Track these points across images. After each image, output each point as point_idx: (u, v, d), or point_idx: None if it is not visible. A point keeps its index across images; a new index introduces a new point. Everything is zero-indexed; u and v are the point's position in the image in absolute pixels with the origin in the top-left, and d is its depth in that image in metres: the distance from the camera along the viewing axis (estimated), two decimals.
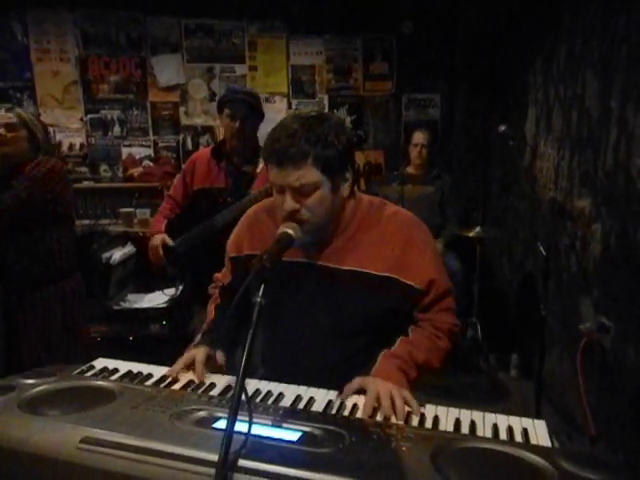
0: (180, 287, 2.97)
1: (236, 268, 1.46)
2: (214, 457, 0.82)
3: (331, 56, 4.11)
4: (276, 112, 4.05)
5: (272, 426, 0.97)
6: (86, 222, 3.64)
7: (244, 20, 3.96)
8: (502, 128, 2.67)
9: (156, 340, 2.93)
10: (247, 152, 2.39)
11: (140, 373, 1.27)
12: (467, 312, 3.33)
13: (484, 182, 3.93)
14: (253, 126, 2.38)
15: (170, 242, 2.44)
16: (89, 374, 1.25)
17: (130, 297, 3.17)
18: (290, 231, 1.13)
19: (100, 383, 1.17)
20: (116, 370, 1.28)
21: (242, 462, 0.84)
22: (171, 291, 3.02)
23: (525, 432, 1.01)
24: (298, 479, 0.81)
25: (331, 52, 4.11)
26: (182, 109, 3.98)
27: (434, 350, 1.26)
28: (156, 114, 3.97)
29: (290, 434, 0.94)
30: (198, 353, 1.28)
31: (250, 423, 0.90)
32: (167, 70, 3.91)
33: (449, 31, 4.12)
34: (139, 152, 3.96)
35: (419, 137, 3.58)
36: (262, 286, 0.97)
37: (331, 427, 0.97)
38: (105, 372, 1.27)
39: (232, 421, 0.84)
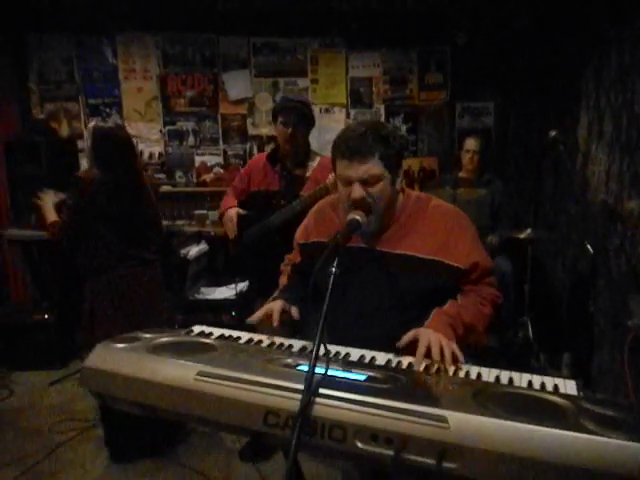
0: (241, 284, 3.26)
1: (303, 252, 1.72)
2: (300, 386, 1.07)
3: (387, 68, 4.35)
4: (335, 122, 4.33)
5: (343, 371, 1.21)
6: (164, 223, 4.03)
7: (306, 37, 4.27)
8: (553, 134, 2.82)
9: (227, 329, 3.24)
10: (299, 156, 2.60)
11: (231, 335, 1.54)
12: (518, 312, 3.45)
13: (536, 186, 4.03)
14: (304, 132, 2.58)
15: (243, 212, 2.65)
16: (192, 334, 1.53)
17: (203, 290, 3.51)
18: (358, 217, 1.38)
19: (202, 339, 1.45)
20: (211, 333, 1.56)
21: (321, 390, 1.08)
22: (236, 286, 3.32)
23: (555, 387, 1.19)
24: (364, 402, 1.04)
25: (387, 64, 4.35)
26: (249, 120, 4.33)
27: (479, 314, 1.46)
28: (226, 125, 4.34)
29: (358, 376, 1.18)
30: (275, 304, 1.54)
31: (326, 367, 1.14)
32: (236, 85, 4.28)
33: (502, 41, 4.26)
34: (210, 160, 4.35)
35: (471, 144, 3.73)
36: (336, 259, 1.22)
37: (390, 373, 1.20)
38: (203, 333, 1.55)
39: (314, 358, 1.08)
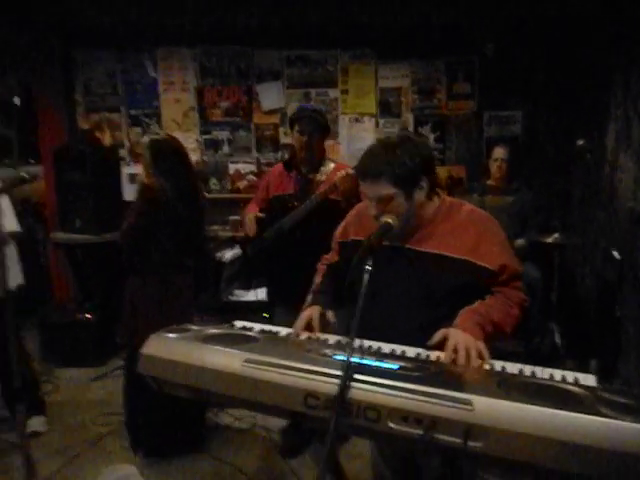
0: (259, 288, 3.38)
1: (342, 250, 1.83)
2: (337, 372, 1.19)
3: (416, 78, 4.46)
4: (364, 131, 4.46)
5: (376, 361, 1.32)
6: None
7: (337, 49, 4.42)
8: (580, 142, 2.88)
9: None
10: (314, 162, 2.72)
11: (270, 330, 1.66)
12: (545, 318, 3.48)
13: (564, 193, 4.07)
14: (319, 139, 2.71)
15: (261, 215, 2.78)
16: (235, 328, 1.66)
17: (236, 292, 3.66)
18: (390, 220, 1.49)
19: (245, 332, 1.58)
20: (252, 327, 1.68)
21: (357, 376, 1.19)
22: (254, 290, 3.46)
23: (575, 379, 1.28)
24: (396, 387, 1.14)
25: (416, 75, 4.46)
26: (281, 129, 4.49)
27: (507, 315, 1.54)
28: (259, 134, 4.51)
29: (390, 365, 1.28)
30: (314, 312, 1.65)
31: (361, 357, 1.26)
32: (269, 96, 4.45)
33: (530, 50, 4.32)
34: (244, 168, 4.53)
35: (499, 152, 3.79)
36: (370, 258, 1.33)
37: (420, 364, 1.30)
38: (245, 327, 1.68)
39: (351, 346, 1.20)
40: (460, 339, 1.40)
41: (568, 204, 4.15)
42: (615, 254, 2.60)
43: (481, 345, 1.40)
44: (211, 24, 4.27)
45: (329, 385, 1.19)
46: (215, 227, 4.23)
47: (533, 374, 1.29)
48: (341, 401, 1.14)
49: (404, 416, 1.10)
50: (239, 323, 1.74)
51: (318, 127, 2.68)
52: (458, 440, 1.05)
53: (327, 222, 2.58)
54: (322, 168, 2.72)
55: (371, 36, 4.37)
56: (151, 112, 4.49)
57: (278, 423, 3.10)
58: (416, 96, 4.48)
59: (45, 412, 3.22)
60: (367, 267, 1.32)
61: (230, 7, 4.18)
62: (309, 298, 1.79)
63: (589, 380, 1.27)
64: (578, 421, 0.99)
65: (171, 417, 2.81)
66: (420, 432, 1.08)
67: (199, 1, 4.16)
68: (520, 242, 3.57)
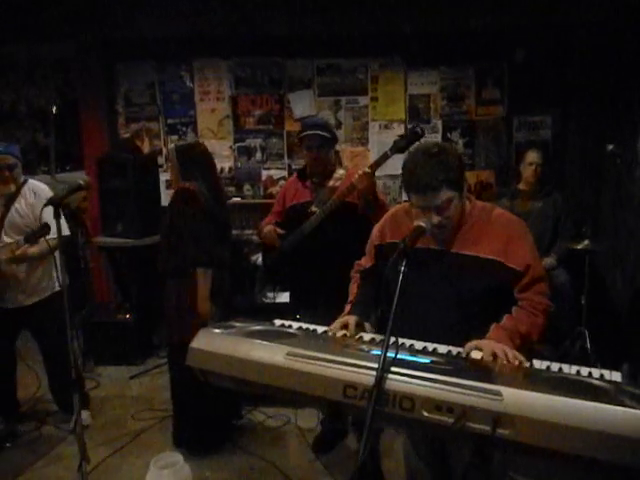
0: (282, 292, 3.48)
1: (379, 253, 1.91)
2: (374, 365, 1.28)
3: (445, 85, 4.52)
4: (394, 137, 4.48)
5: (410, 356, 1.41)
6: (234, 232, 4.36)
7: (367, 58, 4.52)
8: (610, 147, 2.90)
9: None
10: (326, 172, 2.79)
11: (308, 327, 1.76)
12: (575, 322, 3.49)
13: (595, 198, 4.06)
14: (327, 151, 2.77)
15: (280, 230, 2.84)
16: (275, 325, 1.77)
17: (269, 294, 3.78)
18: (422, 224, 1.58)
19: (285, 329, 1.69)
20: (290, 325, 1.79)
21: (393, 369, 1.28)
22: (274, 295, 3.56)
23: (601, 375, 1.34)
24: (430, 379, 1.23)
25: (445, 81, 4.52)
26: None
27: (532, 325, 1.61)
28: (290, 141, 4.64)
29: (423, 359, 1.37)
30: (351, 319, 1.74)
31: (396, 351, 1.34)
32: (301, 104, 4.58)
33: (559, 55, 4.33)
34: (276, 174, 4.67)
35: (533, 156, 3.79)
36: (404, 259, 1.42)
37: (451, 359, 1.39)
38: (284, 325, 1.78)
39: (387, 341, 1.29)
40: (496, 347, 1.48)
41: (599, 209, 4.14)
42: None
43: (514, 351, 1.47)
44: (244, 36, 4.43)
45: (366, 377, 1.28)
46: (248, 231, 4.37)
47: (560, 370, 1.36)
48: (378, 391, 1.23)
49: (437, 405, 1.19)
50: (278, 321, 1.85)
51: (325, 141, 2.74)
52: (487, 428, 1.13)
53: (345, 225, 2.68)
54: (335, 175, 2.80)
55: (400, 44, 4.45)
56: (187, 121, 4.67)
57: (310, 422, 3.21)
58: (445, 102, 4.54)
59: (89, 406, 3.40)
60: (401, 268, 1.41)
61: (262, 20, 4.34)
62: (347, 308, 1.87)
63: (614, 376, 1.33)
64: (602, 411, 1.07)
65: (211, 414, 2.95)
66: (452, 420, 1.17)
67: (233, 15, 4.33)
68: (550, 260, 3.57)
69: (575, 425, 1.07)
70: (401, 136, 2.55)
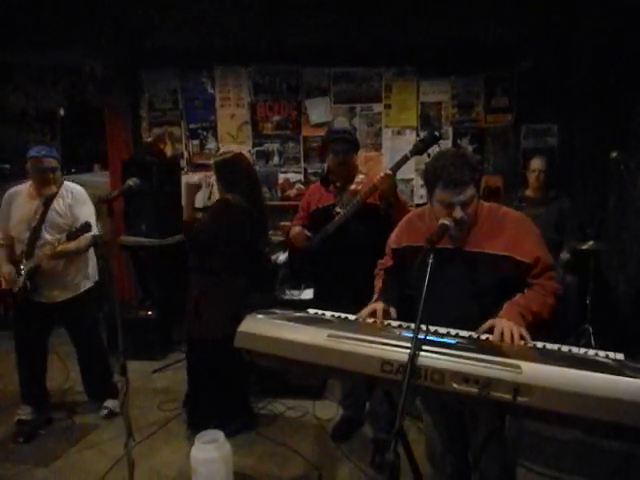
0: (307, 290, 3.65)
1: (396, 256, 2.10)
2: (407, 344, 1.46)
3: (456, 93, 4.71)
4: (406, 143, 4.72)
5: (437, 338, 1.59)
6: None
7: (381, 67, 4.71)
8: (614, 154, 3.08)
9: None
10: (349, 177, 2.94)
11: (340, 315, 1.94)
12: (581, 320, 3.67)
13: (600, 203, 4.23)
14: (352, 156, 2.92)
15: (308, 233, 2.98)
16: (310, 314, 1.96)
17: (290, 291, 3.96)
18: (447, 222, 1.76)
19: (321, 316, 1.87)
20: (324, 313, 1.97)
21: (424, 347, 1.47)
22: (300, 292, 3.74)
23: (606, 355, 1.52)
24: (457, 355, 1.42)
25: (456, 90, 4.71)
26: None
27: (543, 304, 1.79)
28: (307, 146, 4.84)
29: (449, 341, 1.56)
30: (378, 306, 1.93)
31: (426, 332, 1.53)
32: (317, 110, 4.78)
33: (565, 65, 4.51)
34: (293, 177, 4.86)
35: (536, 163, 3.98)
36: (432, 253, 1.60)
37: (473, 341, 1.57)
38: (318, 313, 1.96)
39: (418, 323, 1.47)
40: (505, 325, 1.66)
41: (603, 213, 4.31)
42: None
43: (523, 330, 1.65)
44: (264, 45, 4.63)
45: (401, 354, 1.47)
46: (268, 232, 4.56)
47: (570, 350, 1.54)
48: (412, 366, 1.41)
49: (465, 377, 1.37)
50: (312, 310, 2.03)
51: (351, 147, 2.90)
52: (509, 396, 1.32)
53: (367, 226, 2.83)
54: (356, 179, 2.95)
55: (413, 54, 4.64)
56: (208, 126, 4.87)
57: (328, 412, 3.39)
58: (455, 110, 4.73)
59: (118, 396, 3.58)
60: (430, 261, 1.59)
61: (281, 29, 4.55)
62: (374, 298, 2.05)
63: (618, 356, 1.52)
64: (607, 380, 1.25)
65: (227, 401, 3.13)
66: (477, 390, 1.35)
67: (253, 24, 4.54)
68: (565, 255, 3.74)
69: (584, 392, 1.25)
70: (420, 140, 2.68)
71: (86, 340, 3.40)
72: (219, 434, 2.39)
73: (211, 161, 3.05)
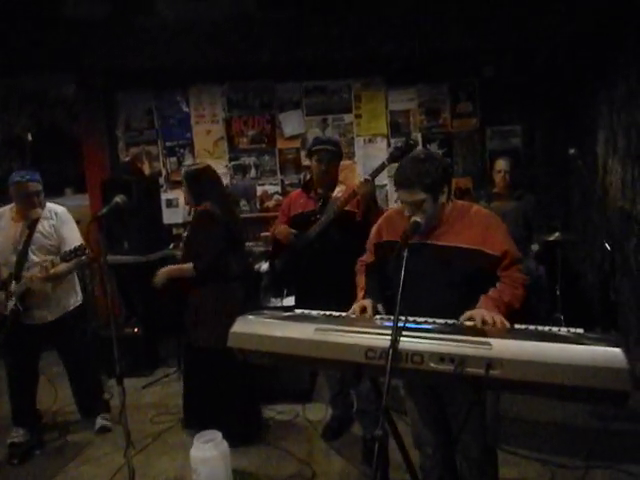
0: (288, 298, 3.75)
1: (378, 250, 2.22)
2: (388, 331, 1.59)
3: (423, 101, 4.93)
4: (378, 150, 4.92)
5: (415, 324, 1.73)
6: None
7: (350, 79, 4.91)
8: (572, 151, 3.29)
9: None
10: (331, 185, 3.06)
11: (325, 313, 2.05)
12: (552, 309, 3.86)
13: (564, 197, 4.46)
14: (335, 166, 3.06)
15: (294, 231, 3.04)
16: (297, 313, 2.07)
17: (272, 300, 4.06)
18: (418, 219, 1.90)
19: (307, 314, 1.99)
20: (310, 312, 2.07)
21: (404, 333, 1.60)
22: (282, 300, 3.84)
23: (568, 330, 1.67)
24: (434, 337, 1.56)
25: (423, 97, 4.93)
26: (303, 153, 4.94)
27: (514, 295, 1.93)
28: (282, 158, 4.99)
29: (427, 326, 1.70)
30: (366, 303, 2.04)
31: (405, 321, 1.66)
32: (291, 123, 4.94)
33: (525, 71, 4.77)
34: (270, 189, 4.99)
35: (500, 164, 4.17)
36: (406, 248, 1.74)
37: (447, 326, 1.72)
38: (304, 312, 2.07)
39: (397, 313, 1.61)
40: (485, 313, 1.79)
41: (567, 206, 4.55)
42: (607, 246, 3.00)
43: (500, 316, 1.79)
44: (236, 62, 4.77)
45: (383, 341, 1.59)
46: (249, 243, 4.67)
47: (536, 328, 1.70)
48: (393, 351, 1.54)
49: (441, 357, 1.51)
50: (299, 310, 2.15)
51: (334, 156, 3.02)
52: (481, 371, 1.46)
53: (345, 232, 2.94)
54: (337, 188, 3.07)
55: (380, 65, 4.85)
56: (184, 143, 4.98)
57: (318, 414, 3.50)
58: (423, 117, 4.94)
59: (110, 412, 3.62)
60: (404, 254, 1.73)
61: (252, 47, 4.69)
62: (360, 295, 2.17)
63: (578, 330, 1.67)
64: (567, 349, 1.40)
65: (227, 411, 3.20)
66: (453, 368, 1.49)
67: (225, 43, 4.67)
68: (534, 247, 3.94)
69: (548, 361, 1.40)
70: (397, 148, 2.83)
71: (77, 357, 3.44)
72: (217, 434, 2.48)
73: (183, 170, 3.15)
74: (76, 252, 2.93)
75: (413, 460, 2.03)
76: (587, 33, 4.00)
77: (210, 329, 3.05)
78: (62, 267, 3.06)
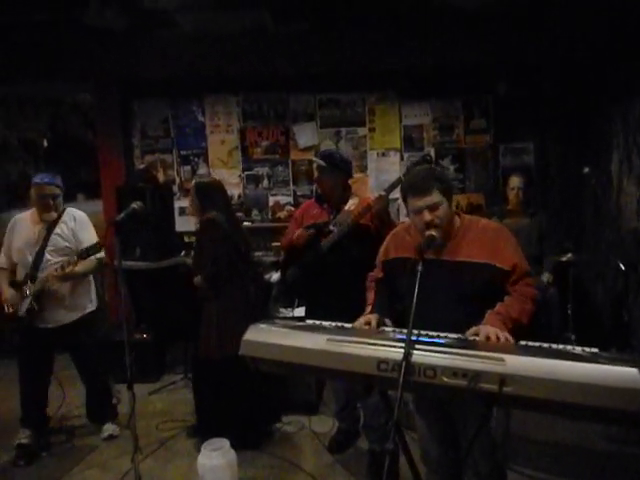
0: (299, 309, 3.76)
1: (385, 268, 2.23)
2: (401, 344, 1.59)
3: (436, 116, 4.95)
4: (390, 164, 4.95)
5: (427, 338, 1.73)
6: None
7: (365, 92, 4.94)
8: (585, 170, 3.29)
9: None
10: (336, 197, 3.03)
11: (336, 324, 2.06)
12: (563, 328, 3.83)
13: (577, 216, 4.44)
14: (329, 180, 3.01)
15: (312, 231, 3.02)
16: (308, 323, 2.08)
17: (282, 310, 4.06)
18: (434, 233, 1.91)
19: (318, 325, 2.00)
20: (321, 323, 2.09)
21: (417, 346, 1.60)
22: (293, 310, 3.85)
23: (582, 349, 1.66)
24: (447, 352, 1.55)
25: (436, 113, 4.95)
26: (315, 165, 4.96)
27: (522, 310, 1.92)
28: (295, 169, 5.02)
29: (439, 340, 1.69)
30: (373, 317, 2.05)
31: (418, 335, 1.66)
32: (304, 135, 4.98)
33: (539, 87, 4.78)
34: (282, 199, 5.02)
35: (514, 181, 4.17)
36: (421, 263, 1.75)
37: (460, 340, 1.71)
38: (315, 322, 2.08)
39: (410, 326, 1.61)
40: (490, 329, 1.79)
41: (580, 225, 4.52)
42: (621, 266, 2.98)
43: (505, 333, 1.78)
44: (251, 74, 4.83)
45: (395, 354, 1.59)
46: (259, 253, 4.69)
47: (549, 346, 1.69)
48: (406, 364, 1.54)
49: (454, 372, 1.50)
50: (310, 321, 2.15)
51: (323, 170, 3.01)
52: (494, 387, 1.45)
53: (358, 245, 2.93)
54: (350, 201, 3.06)
55: (395, 80, 4.88)
56: (199, 152, 5.03)
57: (324, 427, 3.48)
58: (437, 132, 4.96)
59: (116, 418, 3.63)
60: (419, 268, 1.74)
61: (268, 59, 4.76)
62: (367, 309, 2.16)
63: (592, 350, 1.66)
64: (582, 367, 1.40)
65: (237, 418, 3.20)
66: (466, 383, 1.48)
67: (241, 54, 4.74)
68: (546, 277, 3.90)
69: (562, 379, 1.39)
70: (414, 163, 2.85)
71: (90, 362, 3.46)
72: (224, 442, 2.48)
73: (191, 184, 3.24)
74: (93, 249, 2.97)
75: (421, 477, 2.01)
76: (602, 51, 4.01)
77: (212, 340, 3.08)
78: (78, 267, 3.10)
